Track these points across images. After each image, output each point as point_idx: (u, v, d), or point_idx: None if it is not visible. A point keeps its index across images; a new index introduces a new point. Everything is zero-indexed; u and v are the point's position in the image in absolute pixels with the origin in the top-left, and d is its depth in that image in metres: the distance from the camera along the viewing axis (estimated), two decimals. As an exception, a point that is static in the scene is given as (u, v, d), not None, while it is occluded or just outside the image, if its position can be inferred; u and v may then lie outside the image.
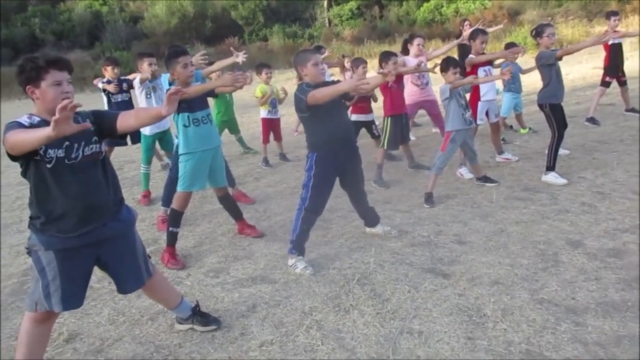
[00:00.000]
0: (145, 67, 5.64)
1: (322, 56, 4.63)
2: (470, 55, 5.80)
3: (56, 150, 2.33)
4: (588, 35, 22.08)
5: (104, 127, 2.50)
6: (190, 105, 3.93)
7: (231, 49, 5.24)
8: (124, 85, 6.48)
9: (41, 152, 2.30)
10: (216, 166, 4.20)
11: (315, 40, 29.55)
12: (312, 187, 3.71)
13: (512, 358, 2.60)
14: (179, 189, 4.10)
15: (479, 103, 5.94)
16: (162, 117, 2.48)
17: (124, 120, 2.49)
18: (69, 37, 32.50)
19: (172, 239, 4.14)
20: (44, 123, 2.31)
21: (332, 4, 33.13)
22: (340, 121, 3.82)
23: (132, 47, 29.30)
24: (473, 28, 6.77)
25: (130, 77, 7.03)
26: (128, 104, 6.60)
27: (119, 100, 6.49)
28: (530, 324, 2.87)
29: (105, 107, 6.50)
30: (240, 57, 4.96)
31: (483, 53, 5.82)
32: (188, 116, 3.97)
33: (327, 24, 32.81)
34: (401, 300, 3.23)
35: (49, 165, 2.32)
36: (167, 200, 4.85)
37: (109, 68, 6.43)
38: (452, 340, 2.79)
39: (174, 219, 4.14)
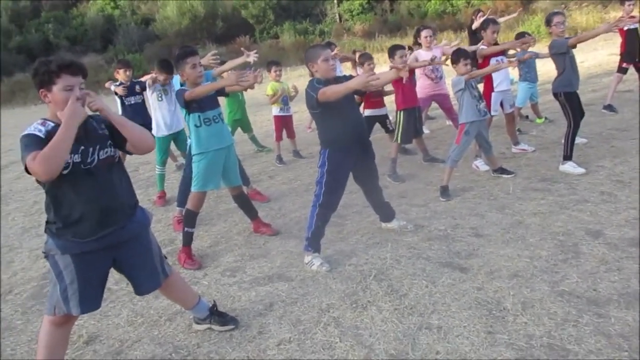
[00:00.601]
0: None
1: (332, 52, 4.60)
2: (482, 46, 5.73)
3: (72, 155, 2.33)
4: (603, 21, 21.70)
5: (115, 137, 2.51)
6: (200, 105, 3.94)
7: (242, 49, 5.23)
8: (137, 88, 6.52)
9: None
10: (230, 165, 4.20)
11: (326, 36, 29.51)
12: (326, 184, 3.69)
13: (533, 352, 2.56)
14: (193, 189, 4.11)
15: (493, 94, 5.87)
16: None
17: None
18: (82, 42, 32.92)
19: (188, 239, 4.15)
20: (58, 128, 2.32)
21: (342, -1, 33.02)
22: (352, 117, 3.79)
23: (144, 49, 29.55)
24: (484, 17, 6.68)
25: (142, 78, 7.06)
26: (141, 107, 6.65)
27: (132, 102, 6.54)
28: (552, 316, 2.83)
29: (119, 110, 6.55)
30: (251, 57, 4.95)
31: (496, 43, 5.74)
32: (199, 116, 3.97)
33: (338, 20, 32.71)
34: (419, 296, 3.20)
35: (65, 172, 2.32)
36: (182, 200, 4.86)
37: (121, 71, 6.47)
38: (471, 335, 2.75)
39: (190, 219, 4.15)
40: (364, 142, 3.88)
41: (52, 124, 2.35)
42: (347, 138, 3.68)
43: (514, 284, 3.21)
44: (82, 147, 2.37)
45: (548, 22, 5.27)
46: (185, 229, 4.14)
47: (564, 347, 2.56)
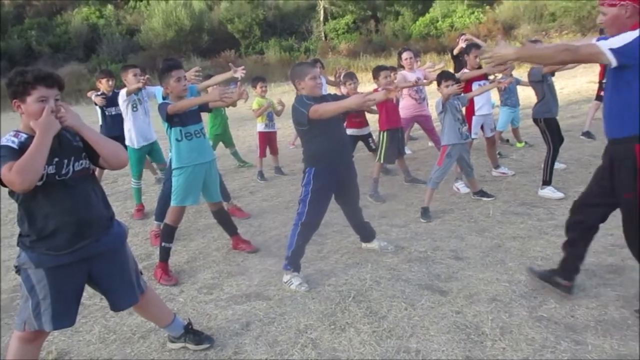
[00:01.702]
0: (131, 78, 5.56)
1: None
2: (464, 70, 5.81)
3: (47, 166, 2.28)
4: (582, 49, 22.25)
5: (88, 150, 2.46)
6: (182, 119, 3.90)
7: (230, 64, 5.21)
8: (118, 99, 6.44)
9: None
10: (210, 181, 4.16)
11: (311, 53, 29.71)
12: (310, 202, 3.66)
13: (511, 378, 2.55)
14: (172, 203, 4.05)
15: (474, 117, 5.95)
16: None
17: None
18: (65, 50, 32.55)
19: (165, 254, 4.07)
20: (31, 140, 2.27)
21: (328, 17, 33.35)
22: (339, 135, 3.79)
23: (128, 60, 29.34)
24: (466, 42, 6.79)
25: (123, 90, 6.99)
26: (121, 118, 6.56)
27: (113, 113, 6.44)
28: (530, 342, 2.82)
29: (99, 121, 6.46)
30: (239, 73, 4.93)
31: (479, 67, 5.83)
32: (180, 130, 3.93)
33: (324, 38, 33.00)
34: (398, 318, 3.17)
35: (39, 183, 2.27)
36: (160, 214, 4.79)
37: (104, 81, 6.37)
38: (449, 359, 2.73)
39: (167, 234, 4.08)
40: (348, 161, 3.88)
41: (25, 136, 2.31)
42: (333, 157, 3.67)
43: (492, 308, 3.21)
44: (57, 159, 2.33)
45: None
46: (163, 243, 4.07)
47: (542, 374, 2.56)
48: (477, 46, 6.00)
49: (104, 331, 3.34)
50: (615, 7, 2.79)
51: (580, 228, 3.23)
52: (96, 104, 6.36)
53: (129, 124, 5.71)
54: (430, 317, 3.16)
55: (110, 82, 6.43)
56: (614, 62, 2.73)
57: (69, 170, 2.38)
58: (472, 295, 3.38)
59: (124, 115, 5.78)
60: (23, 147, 2.24)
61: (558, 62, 3.19)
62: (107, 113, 6.39)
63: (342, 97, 4.05)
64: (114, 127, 6.21)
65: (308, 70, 3.67)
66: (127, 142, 5.70)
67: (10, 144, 2.26)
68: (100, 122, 6.45)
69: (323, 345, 2.96)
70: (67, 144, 2.39)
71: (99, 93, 6.34)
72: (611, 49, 2.70)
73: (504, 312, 3.15)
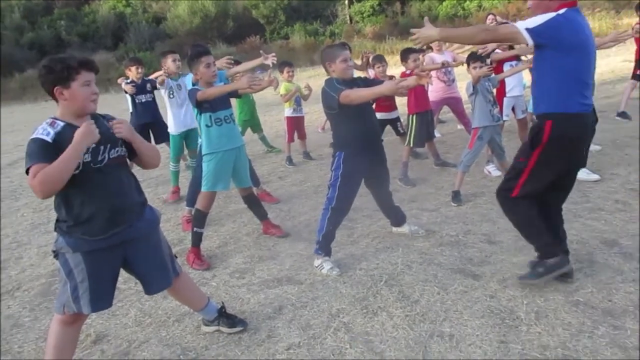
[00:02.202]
0: (170, 63, 5.67)
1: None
2: (497, 50, 5.67)
3: (83, 155, 2.32)
4: (616, 27, 21.54)
5: (127, 145, 2.53)
6: (212, 105, 3.92)
7: (261, 51, 5.21)
8: (148, 86, 6.50)
9: None
10: (240, 166, 4.18)
11: (336, 37, 29.47)
12: (339, 187, 3.65)
13: (548, 363, 2.52)
14: (202, 189, 4.10)
15: (505, 99, 5.83)
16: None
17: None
18: (93, 39, 33.00)
19: (197, 239, 4.13)
20: (69, 128, 2.30)
21: (353, 0, 32.96)
22: (369, 119, 3.76)
23: (155, 48, 29.62)
24: (502, 22, 6.61)
25: (152, 76, 7.06)
26: (152, 105, 6.63)
27: (143, 101, 6.51)
28: (566, 327, 2.78)
29: (130, 108, 6.55)
30: (269, 60, 4.96)
31: (511, 47, 5.69)
32: (210, 116, 3.95)
33: (349, 21, 32.66)
34: (430, 302, 3.15)
35: (76, 172, 2.31)
36: (191, 200, 4.85)
37: (133, 68, 6.44)
38: (484, 344, 2.71)
39: (199, 220, 4.12)
40: (378, 145, 3.85)
41: (62, 124, 2.33)
42: (363, 141, 3.64)
43: (527, 292, 3.16)
44: (93, 146, 2.35)
45: None
46: (195, 229, 4.12)
47: (579, 359, 2.51)
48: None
49: (139, 314, 3.42)
50: None
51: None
52: (126, 92, 6.43)
53: (167, 111, 5.89)
54: (463, 301, 3.13)
55: (139, 70, 6.49)
56: (530, 41, 2.89)
57: (104, 157, 2.41)
58: (505, 280, 3.34)
59: (164, 102, 5.91)
60: (58, 138, 2.27)
61: (478, 41, 3.29)
62: (137, 100, 6.46)
63: (373, 81, 4.00)
64: (144, 114, 6.33)
65: (339, 53, 3.64)
66: (168, 129, 5.92)
67: (44, 137, 2.27)
68: (130, 110, 6.53)
69: (356, 329, 2.97)
70: (105, 131, 2.42)
71: (128, 81, 6.41)
72: (527, 29, 2.86)
73: (538, 296, 3.10)
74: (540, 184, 3.09)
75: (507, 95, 5.88)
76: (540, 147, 2.99)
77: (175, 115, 5.82)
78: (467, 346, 2.71)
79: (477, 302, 3.11)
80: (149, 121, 6.35)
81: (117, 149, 2.47)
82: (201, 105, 3.90)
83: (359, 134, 3.62)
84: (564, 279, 3.21)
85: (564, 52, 2.87)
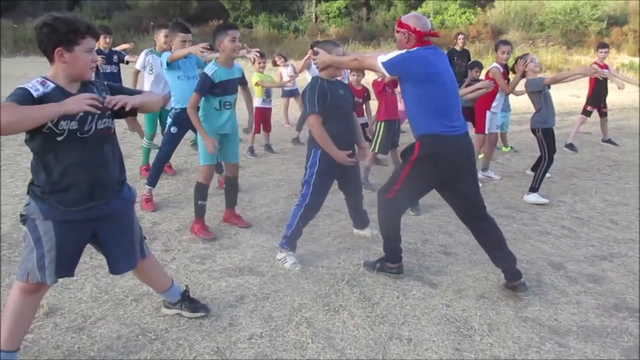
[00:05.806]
0: (161, 37, 5.48)
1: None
2: (495, 64, 5.92)
3: (69, 122, 2.25)
4: (567, 62, 22.73)
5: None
6: (223, 89, 4.07)
7: (244, 45, 5.17)
8: (115, 57, 6.33)
9: (52, 124, 2.20)
10: (229, 143, 4.31)
11: (300, 34, 29.44)
12: (314, 184, 3.69)
13: (499, 373, 2.66)
14: (200, 163, 4.24)
15: (487, 112, 6.06)
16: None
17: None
18: (47, -1, 31.42)
19: (201, 211, 4.27)
20: (58, 91, 2.24)
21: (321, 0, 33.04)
22: (347, 121, 3.82)
23: (112, 17, 28.58)
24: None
25: (118, 48, 6.87)
26: (116, 76, 6.46)
27: (108, 71, 6.35)
28: (516, 340, 2.94)
29: (92, 77, 6.31)
30: (251, 54, 5.00)
31: (506, 64, 5.96)
32: (220, 100, 4.10)
33: (314, 19, 32.69)
34: (390, 306, 3.25)
35: (59, 138, 2.24)
36: (152, 179, 4.79)
37: (101, 37, 6.23)
38: (440, 350, 2.83)
39: (200, 192, 4.25)
40: (353, 147, 3.91)
41: (53, 85, 2.25)
42: (340, 141, 3.68)
43: (480, 304, 3.32)
44: (81, 114, 2.26)
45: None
46: (199, 202, 4.25)
47: (528, 372, 2.67)
48: (505, 42, 6.11)
49: (95, 290, 3.33)
50: (399, 33, 3.32)
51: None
52: (92, 61, 6.21)
53: (146, 87, 5.62)
54: (421, 307, 3.25)
55: (107, 39, 6.31)
56: (385, 73, 3.35)
57: (91, 127, 2.34)
58: (460, 291, 3.49)
59: (143, 77, 5.72)
60: (44, 98, 2.18)
61: (352, 67, 4.17)
62: (100, 70, 6.25)
63: (350, 90, 4.13)
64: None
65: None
66: None
67: (32, 90, 2.18)
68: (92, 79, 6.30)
69: (317, 325, 3.02)
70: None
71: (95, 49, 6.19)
72: (382, 62, 3.23)
73: (491, 309, 3.27)
74: (413, 192, 3.51)
75: (491, 109, 6.10)
76: (410, 164, 3.33)
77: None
78: (424, 350, 2.82)
79: (435, 309, 3.23)
80: (112, 94, 6.15)
81: (104, 120, 2.40)
82: (213, 89, 4.01)
83: (337, 134, 3.66)
84: (514, 293, 3.39)
85: (416, 84, 3.21)
